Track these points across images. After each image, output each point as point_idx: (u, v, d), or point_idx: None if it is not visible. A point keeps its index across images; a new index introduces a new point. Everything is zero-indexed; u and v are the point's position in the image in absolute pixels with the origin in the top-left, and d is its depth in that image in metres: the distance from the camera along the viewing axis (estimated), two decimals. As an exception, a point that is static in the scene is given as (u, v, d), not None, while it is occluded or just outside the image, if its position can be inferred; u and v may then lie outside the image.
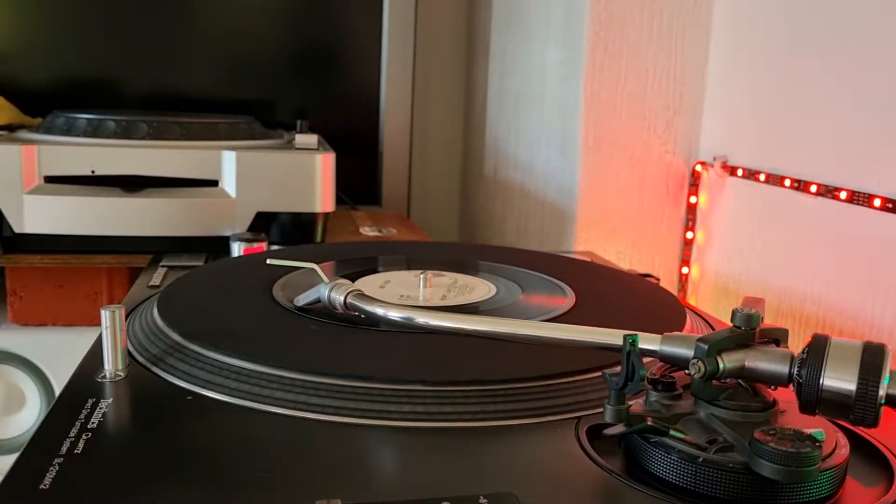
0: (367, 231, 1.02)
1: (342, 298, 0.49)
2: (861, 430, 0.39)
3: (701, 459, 0.34)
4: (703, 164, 0.97)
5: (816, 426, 0.35)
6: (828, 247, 0.77)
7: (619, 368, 0.35)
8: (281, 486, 0.33)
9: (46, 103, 1.07)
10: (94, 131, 0.86)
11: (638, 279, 0.68)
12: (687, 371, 0.36)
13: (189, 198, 0.84)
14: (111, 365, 0.44)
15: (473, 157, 1.39)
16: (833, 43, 0.77)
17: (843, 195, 0.75)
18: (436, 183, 1.47)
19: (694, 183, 0.98)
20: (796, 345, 0.36)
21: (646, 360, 0.36)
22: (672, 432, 0.35)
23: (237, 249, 0.75)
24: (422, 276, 0.60)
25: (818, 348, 0.34)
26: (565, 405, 0.42)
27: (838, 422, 0.36)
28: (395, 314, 0.47)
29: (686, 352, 0.37)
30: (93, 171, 0.82)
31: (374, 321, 0.49)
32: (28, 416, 0.84)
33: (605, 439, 0.38)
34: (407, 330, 0.47)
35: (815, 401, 0.34)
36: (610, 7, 0.92)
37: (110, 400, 0.41)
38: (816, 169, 0.79)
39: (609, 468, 0.36)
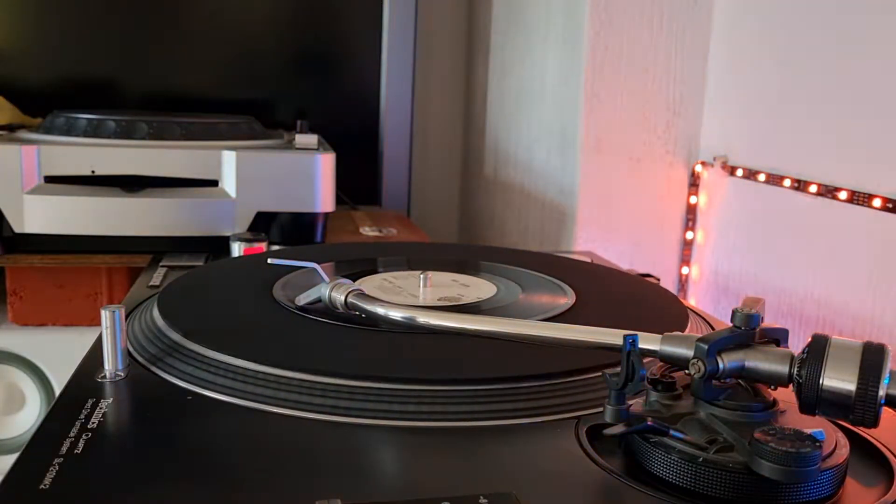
0: (367, 231, 1.02)
1: (343, 298, 0.49)
2: (861, 430, 0.39)
3: (701, 459, 0.34)
4: (703, 164, 0.97)
5: (816, 426, 0.35)
6: (828, 247, 0.77)
7: (619, 368, 0.35)
8: (281, 486, 0.33)
9: (46, 103, 1.07)
10: (94, 131, 0.86)
11: (638, 279, 0.68)
12: (687, 371, 0.36)
13: (189, 198, 0.84)
14: (111, 365, 0.44)
15: (473, 157, 1.39)
16: (833, 43, 0.77)
17: (843, 195, 0.75)
18: (436, 183, 1.47)
19: (694, 183, 0.98)
20: (796, 345, 0.36)
21: (646, 360, 0.36)
22: (672, 432, 0.35)
23: (237, 249, 0.75)
24: (422, 276, 0.60)
25: (818, 348, 0.34)
26: (565, 405, 0.42)
27: (838, 422, 0.36)
28: (395, 314, 0.47)
29: (686, 352, 0.37)
30: (93, 171, 0.82)
31: (374, 321, 0.49)
32: (28, 416, 0.84)
33: (605, 439, 0.38)
34: (407, 330, 0.47)
35: (815, 401, 0.34)
36: (610, 7, 0.92)
37: (110, 400, 0.41)
38: (816, 169, 0.79)
39: (609, 468, 0.36)
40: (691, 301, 0.99)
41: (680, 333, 0.39)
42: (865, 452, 0.39)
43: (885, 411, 0.33)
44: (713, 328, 0.56)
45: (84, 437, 0.36)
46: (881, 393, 0.33)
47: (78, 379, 0.44)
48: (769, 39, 0.87)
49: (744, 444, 0.33)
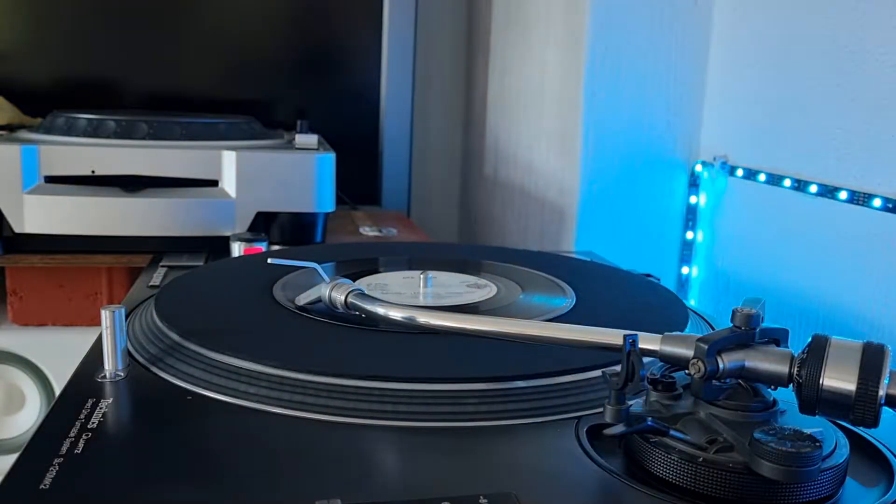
0: (367, 231, 1.02)
1: (343, 298, 0.49)
2: (861, 430, 0.39)
3: (701, 459, 0.34)
4: (703, 163, 0.97)
5: (816, 426, 0.35)
6: (828, 247, 0.77)
7: (619, 368, 0.35)
8: (281, 486, 0.33)
9: (46, 103, 1.07)
10: (94, 131, 0.86)
11: (638, 279, 0.68)
12: (687, 371, 0.36)
13: (189, 198, 0.84)
14: (111, 365, 0.44)
15: (473, 157, 1.39)
16: (833, 43, 0.77)
17: (843, 195, 0.75)
18: (436, 183, 1.47)
19: (694, 183, 0.98)
20: (796, 345, 0.36)
21: (646, 359, 0.36)
22: (672, 432, 0.35)
23: (237, 249, 0.75)
24: (422, 276, 0.60)
25: (818, 348, 0.34)
26: (565, 405, 0.42)
27: (838, 422, 0.36)
28: (396, 314, 0.47)
29: (686, 352, 0.37)
30: (93, 171, 0.82)
31: (374, 321, 0.49)
32: (28, 416, 0.84)
33: (605, 439, 0.38)
34: (407, 330, 0.47)
35: (815, 401, 0.34)
36: (610, 7, 0.92)
37: (110, 400, 0.41)
38: (816, 169, 0.79)
39: (609, 468, 0.36)
40: (691, 301, 0.99)
41: (680, 333, 0.39)
42: (865, 452, 0.39)
43: (885, 411, 0.33)
44: (713, 328, 0.56)
45: (84, 437, 0.36)
46: (881, 393, 0.33)
47: (78, 379, 0.44)
48: (769, 39, 0.87)
49: (744, 444, 0.33)
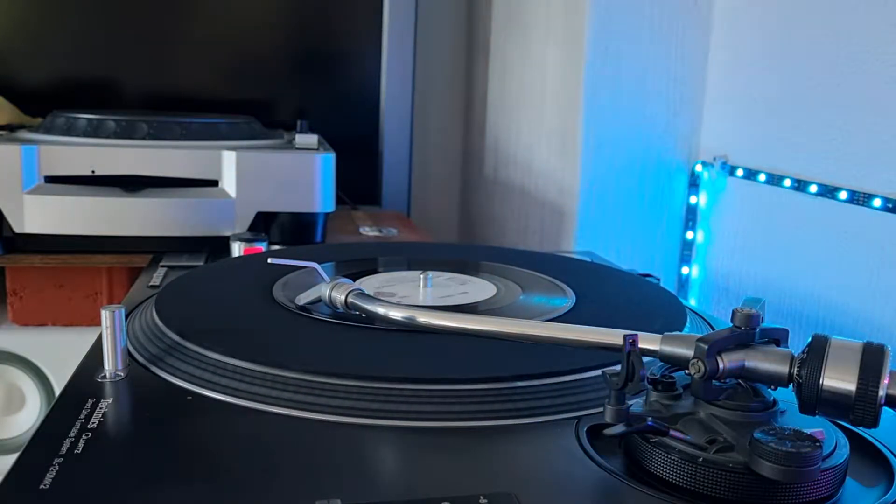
0: (367, 231, 1.02)
1: (343, 298, 0.49)
2: (861, 430, 0.39)
3: (701, 459, 0.34)
4: (703, 163, 0.97)
5: (816, 426, 0.35)
6: (828, 247, 0.77)
7: (619, 368, 0.35)
8: (281, 486, 0.33)
9: (46, 103, 1.07)
10: (94, 131, 0.86)
11: (638, 279, 0.68)
12: (687, 371, 0.36)
13: (189, 198, 0.84)
14: (111, 365, 0.44)
15: (473, 157, 1.39)
16: (832, 42, 0.77)
17: (843, 195, 0.75)
18: (436, 183, 1.47)
19: (694, 183, 0.98)
20: (796, 345, 0.36)
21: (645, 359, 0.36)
22: (672, 432, 0.35)
23: (237, 249, 0.75)
24: (422, 276, 0.60)
25: (818, 348, 0.34)
26: (565, 405, 0.42)
27: (838, 422, 0.36)
28: (396, 314, 0.47)
29: (686, 352, 0.37)
30: (93, 171, 0.82)
31: (374, 321, 0.49)
32: (28, 416, 0.84)
33: (605, 439, 0.38)
34: (407, 329, 0.47)
35: (815, 401, 0.34)
36: (610, 7, 0.92)
37: (110, 400, 0.41)
38: (816, 169, 0.79)
39: (609, 468, 0.36)
40: (691, 301, 0.99)
41: (680, 333, 0.39)
42: (865, 452, 0.39)
43: (885, 411, 0.33)
44: (713, 328, 0.56)
45: (84, 437, 0.36)
46: (881, 393, 0.33)
47: (78, 379, 0.44)
48: (769, 39, 0.87)
49: (744, 444, 0.33)
